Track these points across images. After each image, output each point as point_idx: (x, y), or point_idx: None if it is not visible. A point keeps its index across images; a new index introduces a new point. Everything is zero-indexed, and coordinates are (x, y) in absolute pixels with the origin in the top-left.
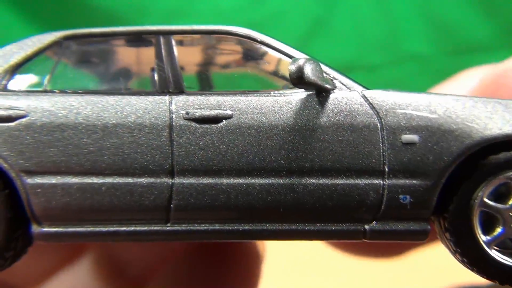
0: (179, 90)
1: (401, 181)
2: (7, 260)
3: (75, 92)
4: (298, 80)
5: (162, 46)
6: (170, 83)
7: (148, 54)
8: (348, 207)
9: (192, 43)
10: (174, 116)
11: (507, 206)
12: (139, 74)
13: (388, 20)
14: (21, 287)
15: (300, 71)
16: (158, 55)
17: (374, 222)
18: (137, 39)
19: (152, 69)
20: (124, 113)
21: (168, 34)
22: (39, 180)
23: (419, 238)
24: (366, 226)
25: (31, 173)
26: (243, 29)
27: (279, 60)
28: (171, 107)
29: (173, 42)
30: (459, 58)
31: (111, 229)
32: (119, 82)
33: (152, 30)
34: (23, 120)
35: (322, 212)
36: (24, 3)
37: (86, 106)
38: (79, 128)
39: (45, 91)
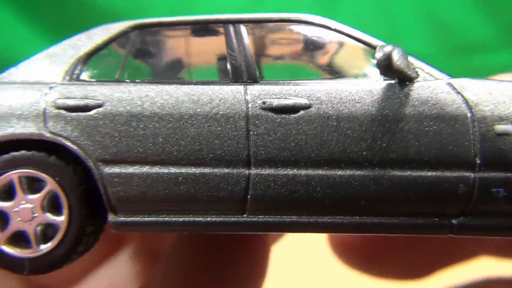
0: (253, 80)
1: (495, 174)
2: (81, 253)
3: (148, 82)
4: (386, 68)
5: (233, 35)
6: (244, 72)
7: (217, 43)
8: (434, 200)
9: (261, 31)
10: (250, 105)
11: None
12: (209, 63)
13: (388, 20)
14: (58, 285)
15: (388, 58)
16: (229, 44)
17: (461, 217)
18: (205, 28)
19: (222, 58)
20: (200, 102)
21: (238, 22)
22: (116, 169)
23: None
24: (454, 221)
25: (108, 162)
26: (316, 17)
27: (355, 48)
28: (246, 97)
29: (244, 31)
30: (459, 58)
31: (187, 219)
32: (189, 71)
33: (221, 19)
34: (100, 109)
35: (406, 205)
36: (24, 3)
37: (161, 95)
38: (155, 117)
39: (118, 81)
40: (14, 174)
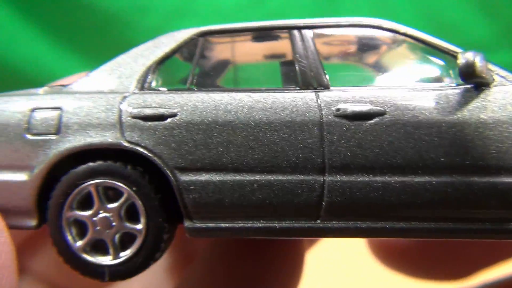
0: (324, 86)
1: None
2: (157, 260)
3: (219, 90)
4: (469, 74)
5: (300, 41)
6: (314, 79)
7: (282, 49)
8: None
9: (328, 36)
10: (324, 112)
11: None
12: (273, 69)
13: (388, 20)
14: None
15: (471, 65)
16: (297, 50)
17: None
18: (271, 34)
19: (287, 64)
20: (273, 110)
21: (305, 28)
22: (192, 177)
23: None
24: None
25: (184, 170)
26: (385, 21)
27: (426, 53)
28: (319, 104)
29: (311, 36)
30: None
31: (262, 225)
32: (255, 78)
33: (288, 24)
34: (175, 118)
35: (485, 211)
36: (24, 3)
37: (234, 103)
38: (229, 125)
39: (190, 89)
40: (92, 184)
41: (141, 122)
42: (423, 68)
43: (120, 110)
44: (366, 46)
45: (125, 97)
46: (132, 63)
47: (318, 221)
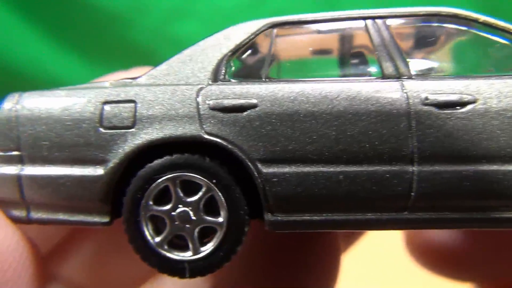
0: (407, 75)
1: None
2: (237, 253)
3: (298, 80)
4: None
5: (378, 31)
6: (396, 68)
7: (358, 38)
8: None
9: (405, 25)
10: (411, 101)
11: None
12: (351, 59)
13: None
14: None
15: None
16: (376, 40)
17: None
18: (345, 24)
19: (361, 54)
20: (357, 100)
21: (381, 18)
22: (274, 169)
23: None
24: None
25: (266, 162)
26: (462, 10)
27: (496, 41)
28: (406, 93)
29: (389, 26)
30: None
31: (346, 217)
32: (329, 67)
33: (365, 14)
34: (255, 109)
35: None
36: (24, 3)
37: (316, 93)
38: (312, 116)
39: (266, 80)
40: (170, 178)
41: (220, 114)
42: (500, 55)
43: (198, 102)
44: (442, 35)
45: (201, 89)
46: (204, 55)
47: (406, 212)
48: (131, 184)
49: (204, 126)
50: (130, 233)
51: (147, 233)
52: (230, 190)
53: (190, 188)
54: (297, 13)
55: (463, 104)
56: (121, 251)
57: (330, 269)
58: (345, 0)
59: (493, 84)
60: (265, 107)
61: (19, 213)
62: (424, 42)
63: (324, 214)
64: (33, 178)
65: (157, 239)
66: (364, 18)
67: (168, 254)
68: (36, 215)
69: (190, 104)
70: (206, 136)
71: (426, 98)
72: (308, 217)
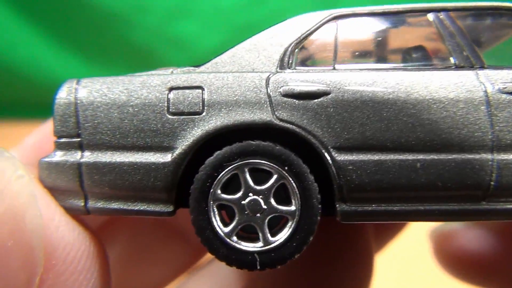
0: (480, 65)
1: None
2: (308, 244)
3: (368, 69)
4: None
5: (446, 23)
6: (468, 58)
7: (419, 31)
8: None
9: (467, 18)
10: (489, 90)
11: None
12: (413, 52)
13: None
14: None
15: None
16: (444, 32)
17: None
18: (406, 17)
19: (422, 48)
20: (433, 88)
21: (445, 10)
22: (350, 156)
23: None
24: None
25: (341, 149)
26: None
27: None
28: (482, 82)
29: (455, 18)
30: None
31: (422, 208)
32: (394, 57)
33: (429, 7)
34: (328, 96)
35: None
36: (24, 3)
37: (391, 82)
38: (388, 104)
39: (335, 68)
40: (240, 165)
41: (292, 100)
42: None
43: (268, 89)
44: (499, 28)
45: (270, 76)
46: (269, 44)
47: (483, 202)
48: (199, 172)
49: (275, 112)
50: (198, 223)
51: (215, 223)
52: (303, 177)
53: (257, 177)
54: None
55: None
56: (144, 255)
57: (364, 271)
58: (343, 1)
59: None
60: (338, 94)
61: (76, 203)
62: (486, 34)
63: (399, 204)
64: (94, 165)
65: (226, 229)
66: (431, 11)
67: (238, 246)
68: (95, 205)
69: (260, 91)
70: (277, 122)
71: (504, 87)
72: (383, 207)
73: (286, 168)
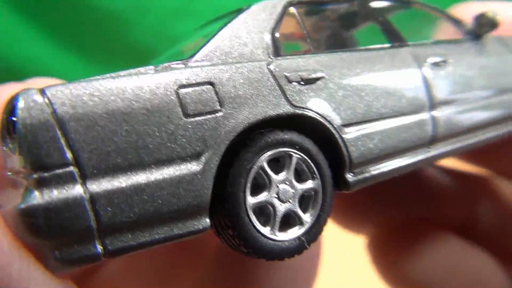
0: (405, 43)
1: None
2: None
3: (344, 51)
4: None
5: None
6: (400, 38)
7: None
8: None
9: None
10: (420, 64)
11: None
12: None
13: None
14: None
15: None
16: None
17: None
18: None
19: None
20: (386, 64)
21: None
22: (355, 131)
23: None
24: None
25: (347, 126)
26: None
27: None
28: (414, 56)
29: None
30: None
31: (409, 161)
32: (357, 41)
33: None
34: (324, 79)
35: None
36: (24, 3)
37: (365, 60)
38: (364, 81)
39: (312, 52)
40: (267, 156)
41: (300, 87)
42: None
43: (276, 77)
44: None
45: (269, 64)
46: (252, 31)
47: (430, 148)
48: (231, 175)
49: (290, 100)
50: (242, 232)
51: (262, 229)
52: (317, 156)
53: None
54: None
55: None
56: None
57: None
58: None
59: None
60: (333, 77)
61: (90, 248)
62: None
63: (396, 159)
64: (109, 195)
65: (268, 228)
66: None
67: (286, 238)
68: (115, 243)
69: (269, 80)
70: (297, 111)
71: (431, 60)
72: (384, 169)
73: (305, 151)
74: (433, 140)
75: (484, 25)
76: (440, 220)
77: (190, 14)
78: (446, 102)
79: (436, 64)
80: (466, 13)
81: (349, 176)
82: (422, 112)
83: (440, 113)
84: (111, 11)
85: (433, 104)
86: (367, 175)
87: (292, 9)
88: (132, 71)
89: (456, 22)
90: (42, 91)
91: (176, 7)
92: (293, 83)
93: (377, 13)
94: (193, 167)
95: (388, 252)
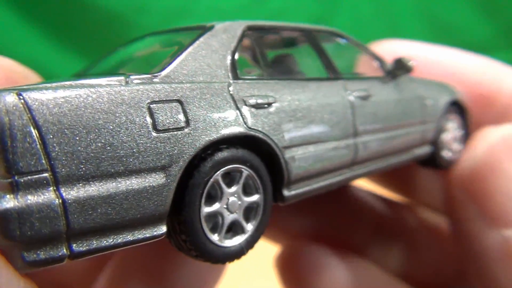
0: (340, 76)
1: None
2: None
3: (298, 79)
4: None
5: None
6: (336, 71)
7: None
8: None
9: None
10: (349, 96)
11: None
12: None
13: (388, 20)
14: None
15: None
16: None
17: None
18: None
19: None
20: (329, 94)
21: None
22: (294, 152)
23: None
24: None
25: (287, 148)
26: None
27: None
28: (346, 89)
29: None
30: None
31: (341, 177)
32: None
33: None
34: (275, 104)
35: None
36: (24, 3)
37: (309, 91)
38: (309, 108)
39: (265, 77)
40: (223, 170)
41: (255, 110)
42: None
43: (234, 99)
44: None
45: (230, 86)
46: (213, 53)
47: (352, 168)
48: (190, 187)
49: (246, 122)
50: (195, 241)
51: (211, 236)
52: (263, 173)
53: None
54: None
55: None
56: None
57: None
58: (343, 1)
59: None
60: (282, 103)
61: (57, 251)
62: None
63: (325, 178)
64: (81, 201)
65: (217, 236)
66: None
67: (231, 244)
68: (80, 247)
69: (228, 102)
70: (251, 132)
71: (357, 94)
72: (317, 184)
73: (253, 168)
74: (354, 163)
75: (400, 68)
76: (348, 241)
77: (190, 14)
78: (365, 131)
79: (361, 97)
80: (388, 49)
81: (286, 191)
82: (348, 138)
83: (360, 140)
84: (111, 11)
85: (356, 132)
86: (299, 191)
87: (250, 33)
88: (110, 79)
89: (378, 59)
90: (19, 94)
91: (176, 7)
92: (249, 106)
93: (317, 42)
94: (159, 178)
95: (292, 264)
